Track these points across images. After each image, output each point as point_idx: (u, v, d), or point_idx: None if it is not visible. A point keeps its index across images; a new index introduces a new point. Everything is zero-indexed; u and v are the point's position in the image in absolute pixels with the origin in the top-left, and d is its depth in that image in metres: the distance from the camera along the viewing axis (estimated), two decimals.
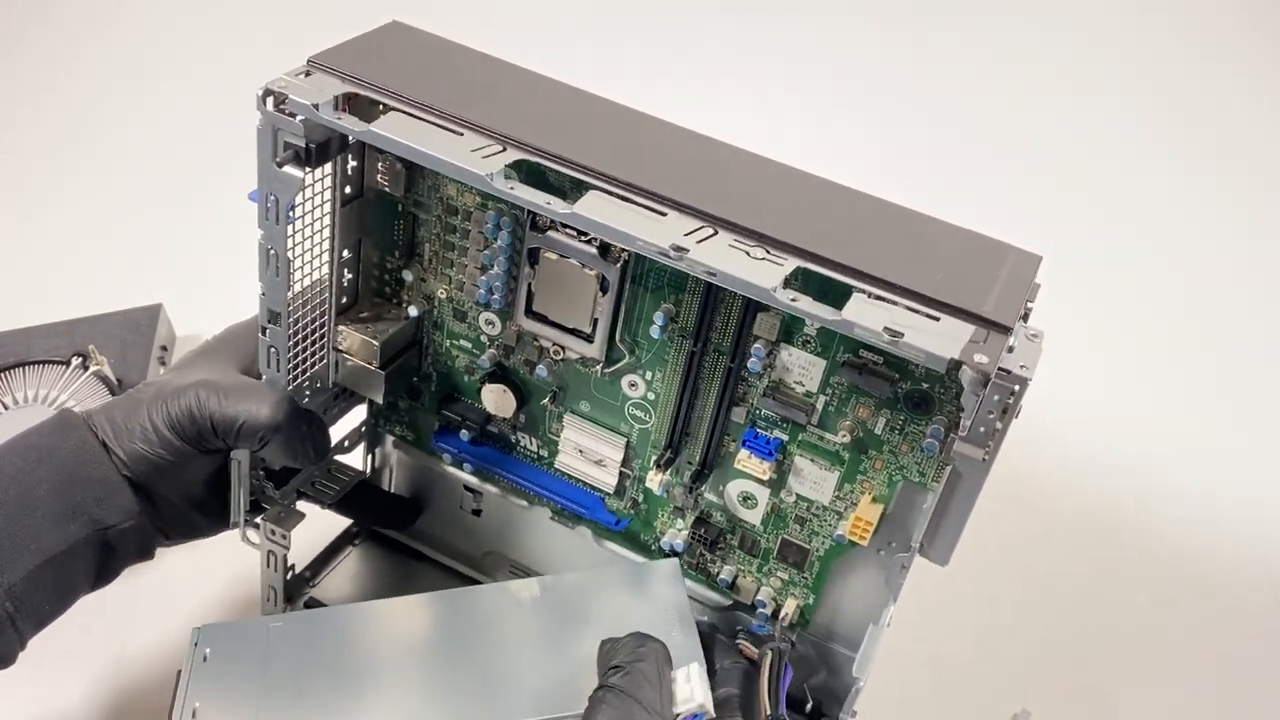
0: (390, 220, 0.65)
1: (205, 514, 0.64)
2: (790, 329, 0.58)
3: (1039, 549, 0.94)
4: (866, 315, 0.47)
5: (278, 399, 0.60)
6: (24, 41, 1.38)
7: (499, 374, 0.67)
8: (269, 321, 0.60)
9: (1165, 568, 0.93)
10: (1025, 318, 0.52)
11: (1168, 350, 1.19)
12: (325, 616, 0.65)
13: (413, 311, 0.66)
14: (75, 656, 0.71)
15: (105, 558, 0.59)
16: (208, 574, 0.77)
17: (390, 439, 0.75)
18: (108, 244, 1.11)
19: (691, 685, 0.54)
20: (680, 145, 0.57)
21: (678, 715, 0.54)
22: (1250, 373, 1.17)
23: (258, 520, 0.67)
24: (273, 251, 0.57)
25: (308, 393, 0.65)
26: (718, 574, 0.68)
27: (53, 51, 1.37)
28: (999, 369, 0.47)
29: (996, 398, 0.48)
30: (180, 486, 0.61)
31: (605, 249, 0.59)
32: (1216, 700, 0.83)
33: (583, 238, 0.60)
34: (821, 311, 0.48)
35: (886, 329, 0.47)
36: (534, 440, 0.69)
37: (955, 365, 0.46)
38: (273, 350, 0.61)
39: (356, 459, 0.75)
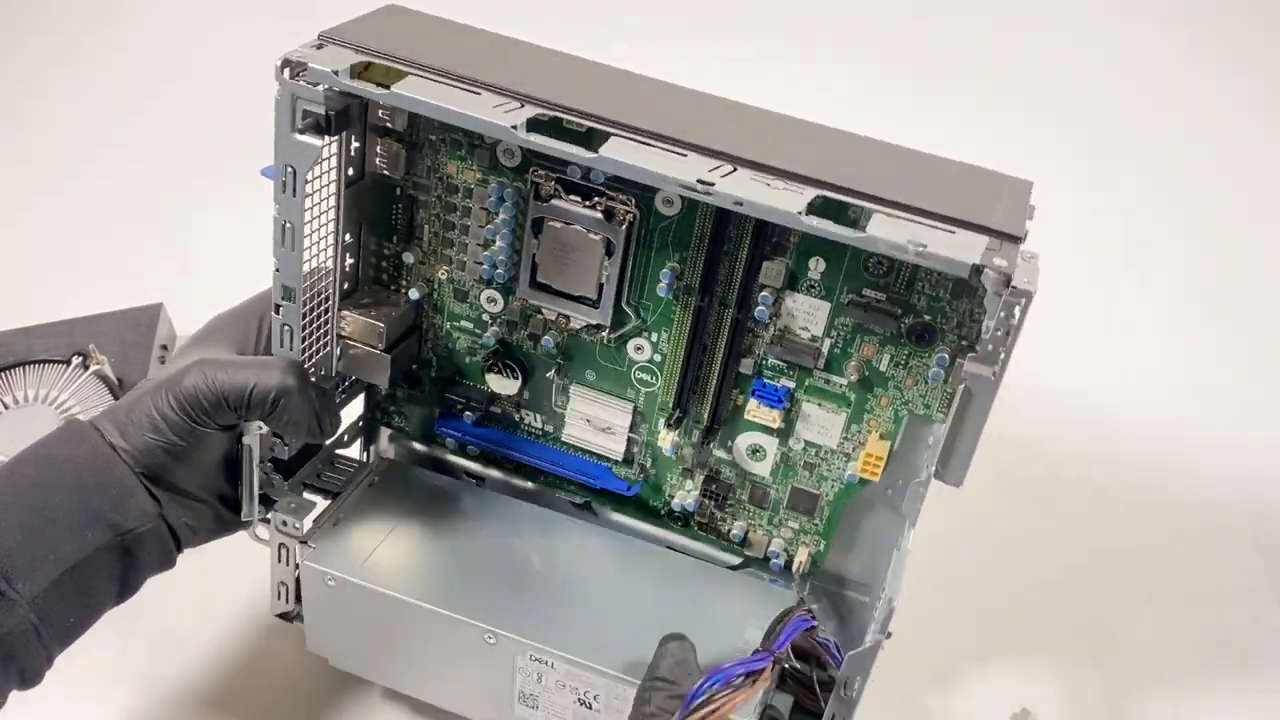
0: (389, 205, 0.66)
1: (226, 504, 0.64)
2: (795, 275, 0.61)
3: (1033, 508, 0.97)
4: (889, 231, 0.50)
5: (286, 364, 0.60)
6: (24, 41, 1.38)
7: (502, 351, 0.68)
8: (283, 298, 0.60)
9: (1153, 520, 0.97)
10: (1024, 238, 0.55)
11: (1154, 304, 1.23)
12: (475, 496, 0.71)
13: (413, 294, 0.67)
14: (74, 662, 0.69)
15: (126, 565, 0.58)
16: (209, 579, 0.75)
17: (386, 435, 0.75)
18: (108, 244, 1.11)
19: None
20: (685, 100, 0.60)
21: None
22: (1236, 323, 1.22)
23: (268, 515, 0.66)
24: (288, 225, 0.58)
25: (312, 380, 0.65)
26: (729, 531, 0.69)
27: (52, 52, 1.37)
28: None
29: (1003, 314, 0.51)
30: (196, 473, 0.61)
31: (610, 213, 0.61)
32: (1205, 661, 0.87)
33: (586, 203, 0.62)
34: (845, 232, 0.51)
35: (910, 241, 0.49)
36: (539, 416, 0.70)
37: (977, 270, 0.49)
38: (286, 328, 0.61)
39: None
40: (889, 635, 0.61)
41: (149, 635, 0.74)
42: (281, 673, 0.74)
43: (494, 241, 0.64)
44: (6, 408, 0.78)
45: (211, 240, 1.12)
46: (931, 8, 1.44)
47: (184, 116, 1.30)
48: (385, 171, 0.64)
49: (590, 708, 0.62)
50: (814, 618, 0.63)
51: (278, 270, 0.59)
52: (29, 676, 0.55)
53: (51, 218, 1.15)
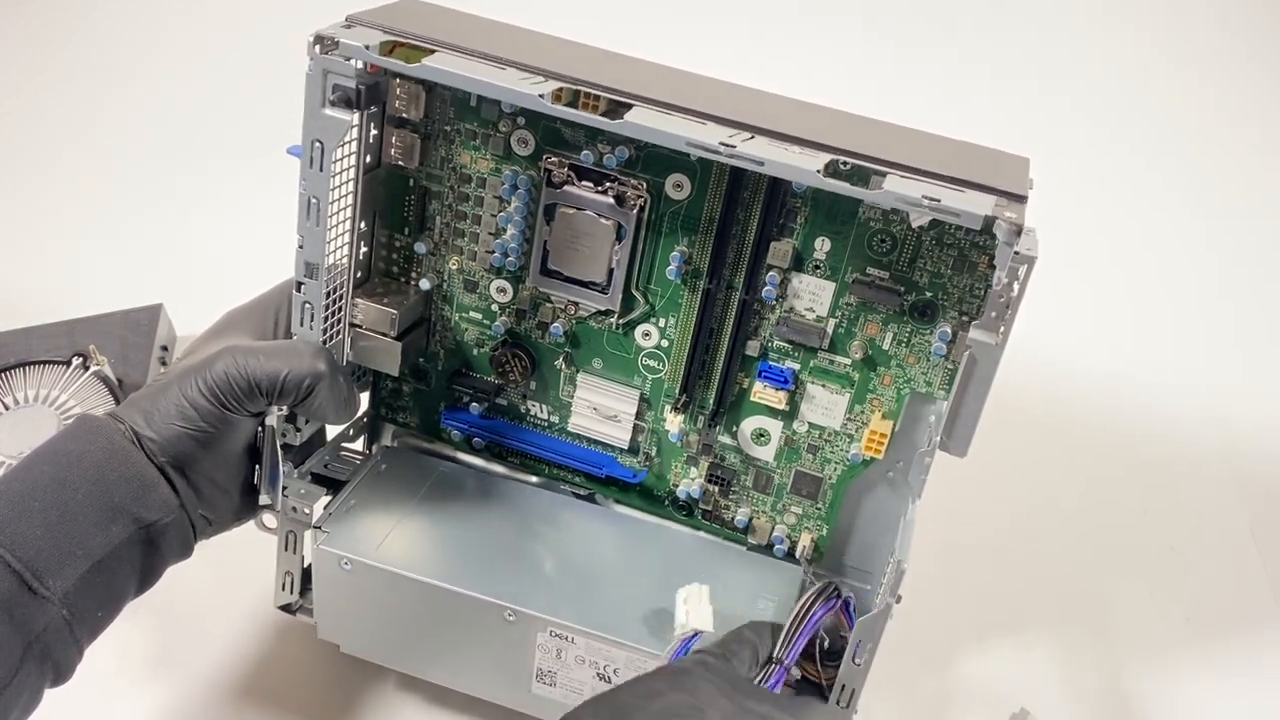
0: (402, 196, 0.68)
1: (245, 494, 0.64)
2: (801, 256, 0.63)
3: (1030, 471, 1.00)
4: (905, 188, 0.53)
5: (316, 349, 0.61)
6: (23, 40, 1.38)
7: (511, 341, 0.69)
8: (306, 275, 0.61)
9: (1143, 495, 1.00)
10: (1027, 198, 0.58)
11: (1146, 282, 1.27)
12: (483, 480, 0.73)
13: (424, 285, 0.69)
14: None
15: (149, 557, 0.58)
16: (210, 577, 0.75)
17: (389, 433, 0.76)
18: (108, 244, 1.11)
19: (688, 609, 0.58)
20: (695, 83, 0.63)
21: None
22: (1223, 287, 1.27)
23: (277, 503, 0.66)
24: (314, 201, 0.59)
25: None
26: (733, 518, 0.70)
27: (52, 51, 1.38)
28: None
29: (1005, 279, 0.54)
30: (221, 462, 0.61)
31: (621, 198, 0.64)
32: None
33: (598, 188, 0.64)
34: (861, 190, 0.53)
35: (925, 196, 0.52)
36: (545, 407, 0.71)
37: (990, 221, 0.52)
38: (308, 306, 0.62)
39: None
40: (899, 600, 0.62)
41: (156, 628, 0.73)
42: (292, 665, 0.73)
43: (506, 229, 0.66)
44: (6, 408, 0.77)
45: (211, 240, 1.13)
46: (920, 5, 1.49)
47: (185, 117, 1.31)
48: (400, 162, 0.66)
49: (609, 681, 0.62)
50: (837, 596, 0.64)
51: (301, 247, 0.61)
52: (62, 673, 0.55)
53: (51, 218, 1.15)
